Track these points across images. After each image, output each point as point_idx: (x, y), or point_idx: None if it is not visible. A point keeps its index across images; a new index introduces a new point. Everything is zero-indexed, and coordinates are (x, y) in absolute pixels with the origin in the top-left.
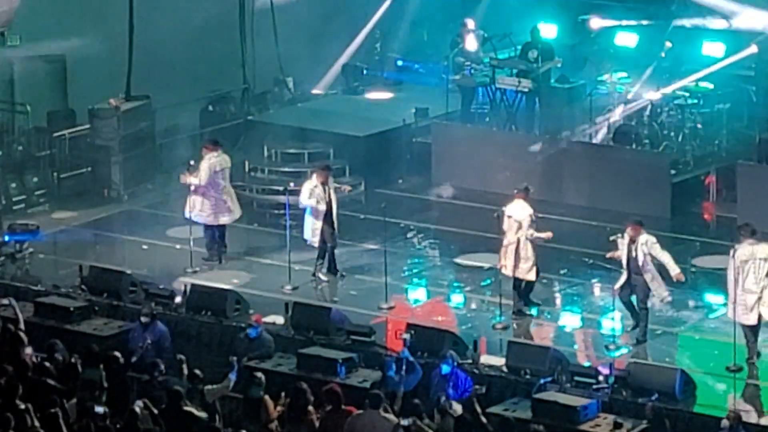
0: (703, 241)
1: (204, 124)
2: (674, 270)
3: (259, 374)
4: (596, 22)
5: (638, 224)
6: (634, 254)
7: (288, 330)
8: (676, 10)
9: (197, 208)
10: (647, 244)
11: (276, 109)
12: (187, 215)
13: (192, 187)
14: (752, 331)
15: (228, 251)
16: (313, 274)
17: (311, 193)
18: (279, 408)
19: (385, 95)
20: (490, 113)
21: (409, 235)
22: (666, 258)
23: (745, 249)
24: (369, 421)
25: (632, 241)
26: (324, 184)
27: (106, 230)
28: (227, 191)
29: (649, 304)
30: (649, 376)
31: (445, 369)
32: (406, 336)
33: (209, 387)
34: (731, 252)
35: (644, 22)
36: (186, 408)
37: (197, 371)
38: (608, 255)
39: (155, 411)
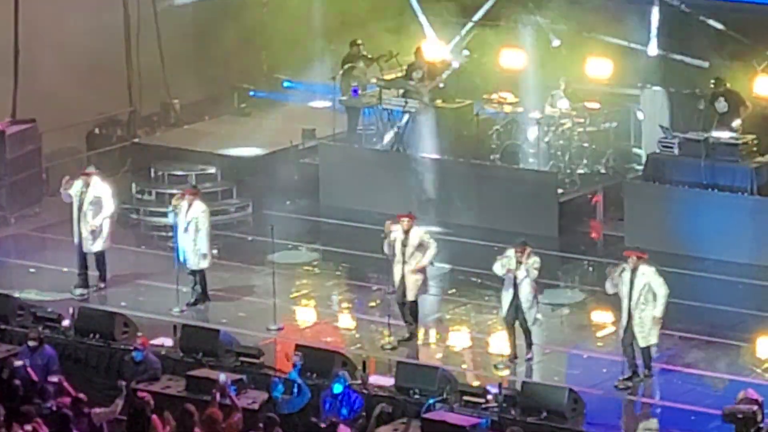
0: (591, 259)
1: (91, 147)
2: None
3: (146, 395)
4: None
5: (524, 245)
6: (521, 276)
7: (177, 352)
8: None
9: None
10: (533, 267)
11: (163, 131)
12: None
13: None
14: (644, 351)
15: (115, 274)
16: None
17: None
18: (168, 428)
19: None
20: (377, 134)
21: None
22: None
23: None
24: None
25: (519, 262)
26: (190, 205)
27: None
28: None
29: (535, 324)
30: (539, 394)
31: (337, 388)
32: (296, 358)
33: (97, 410)
34: (619, 271)
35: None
36: None
37: (82, 395)
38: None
39: None
